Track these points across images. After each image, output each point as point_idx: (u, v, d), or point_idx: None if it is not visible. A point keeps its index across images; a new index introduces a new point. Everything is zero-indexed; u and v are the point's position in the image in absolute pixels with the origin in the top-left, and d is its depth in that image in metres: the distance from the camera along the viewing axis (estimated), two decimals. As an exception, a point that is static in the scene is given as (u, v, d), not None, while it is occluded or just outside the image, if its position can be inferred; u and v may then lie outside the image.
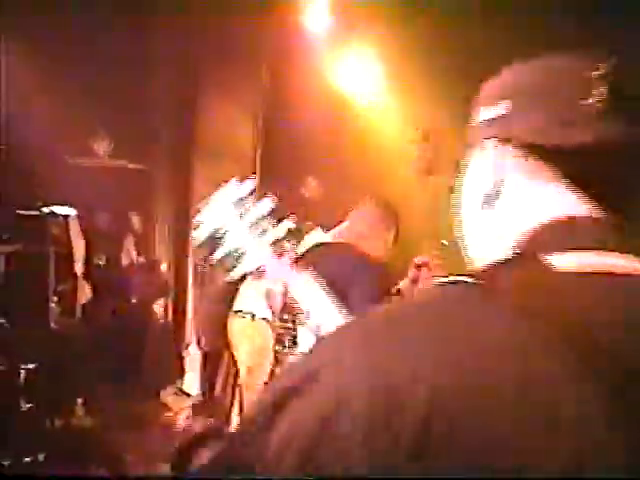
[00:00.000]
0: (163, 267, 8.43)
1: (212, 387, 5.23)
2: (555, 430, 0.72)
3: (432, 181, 4.07)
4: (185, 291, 8.25)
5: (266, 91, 7.71)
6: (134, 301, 7.99)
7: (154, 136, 8.71)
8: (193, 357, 6.58)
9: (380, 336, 0.79)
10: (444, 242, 3.69)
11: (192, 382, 5.55)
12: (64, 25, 7.71)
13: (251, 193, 1.56)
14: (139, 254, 8.30)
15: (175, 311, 8.31)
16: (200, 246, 1.53)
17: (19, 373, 4.77)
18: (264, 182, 7.51)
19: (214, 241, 1.54)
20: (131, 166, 9.14)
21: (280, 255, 1.56)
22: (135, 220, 8.45)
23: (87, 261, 6.92)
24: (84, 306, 7.02)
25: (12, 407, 4.62)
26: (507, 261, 0.88)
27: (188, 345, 7.27)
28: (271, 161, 7.66)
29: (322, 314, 1.59)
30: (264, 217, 1.55)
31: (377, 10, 6.46)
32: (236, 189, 1.57)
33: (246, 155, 7.85)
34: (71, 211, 6.61)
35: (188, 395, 6.39)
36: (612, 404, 0.74)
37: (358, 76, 7.17)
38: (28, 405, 4.70)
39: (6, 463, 4.39)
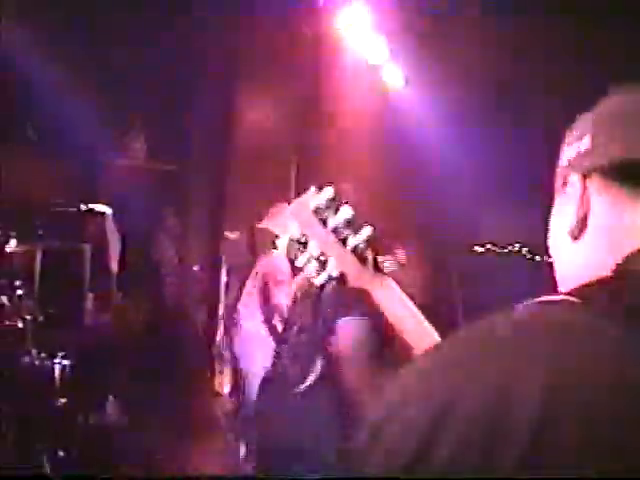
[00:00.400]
0: (196, 268, 8.46)
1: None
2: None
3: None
4: (217, 291, 8.28)
5: (305, 94, 7.72)
6: (167, 300, 8.03)
7: (190, 137, 8.76)
8: (225, 357, 6.60)
9: (478, 358, 0.80)
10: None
11: (224, 382, 5.58)
12: (105, 25, 7.78)
13: (331, 200, 1.56)
14: (173, 255, 8.34)
15: (208, 311, 8.34)
16: (284, 252, 1.55)
17: (54, 369, 4.81)
18: (301, 189, 7.53)
19: (297, 248, 1.56)
20: (167, 167, 9.20)
21: (363, 261, 1.56)
22: (170, 220, 8.49)
23: (122, 259, 6.98)
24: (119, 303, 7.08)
25: (47, 402, 4.66)
26: (605, 281, 0.89)
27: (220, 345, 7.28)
28: (309, 164, 7.67)
29: (408, 320, 1.60)
30: (345, 224, 1.56)
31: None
32: (316, 196, 1.58)
33: (282, 158, 7.87)
34: (107, 209, 6.67)
35: (220, 395, 6.41)
36: None
37: (398, 79, 7.17)
38: (63, 400, 4.74)
39: (42, 458, 4.44)
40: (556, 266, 1.10)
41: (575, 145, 1.05)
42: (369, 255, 1.57)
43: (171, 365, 6.38)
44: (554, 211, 1.09)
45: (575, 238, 1.02)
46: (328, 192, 1.59)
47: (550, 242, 1.11)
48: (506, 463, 0.72)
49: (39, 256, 6.24)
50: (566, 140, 1.10)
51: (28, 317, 4.67)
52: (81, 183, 8.78)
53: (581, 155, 1.03)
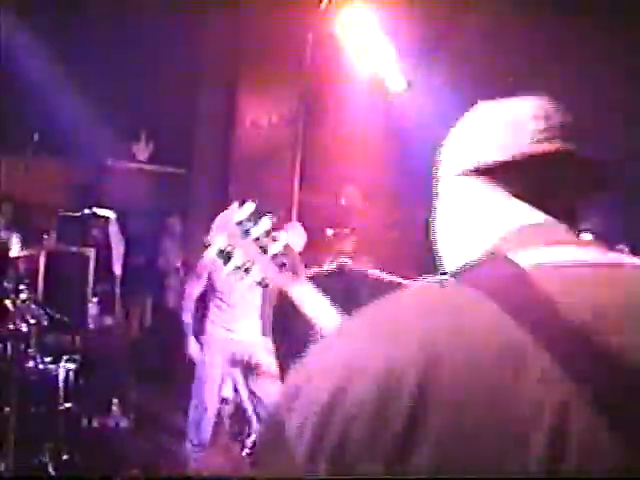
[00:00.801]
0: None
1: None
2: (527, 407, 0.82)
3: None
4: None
5: (307, 98, 7.72)
6: (171, 303, 8.04)
7: (192, 140, 8.78)
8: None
9: (379, 325, 0.92)
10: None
11: (228, 385, 5.58)
12: (107, 28, 7.80)
13: (253, 213, 1.78)
14: (177, 257, 8.35)
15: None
16: (211, 261, 1.77)
17: (58, 373, 4.82)
18: (304, 189, 7.54)
19: (224, 257, 1.78)
20: (170, 170, 9.22)
21: (281, 267, 1.79)
22: (174, 223, 8.51)
23: (125, 262, 6.99)
24: (123, 307, 7.09)
25: (51, 406, 4.67)
26: (481, 262, 1.01)
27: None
28: (311, 167, 7.68)
29: (325, 319, 1.82)
30: (265, 234, 1.78)
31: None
32: (239, 211, 1.80)
33: (286, 161, 7.88)
34: (111, 213, 6.67)
35: (223, 397, 6.41)
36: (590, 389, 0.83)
37: (401, 81, 7.16)
38: (67, 404, 4.74)
39: (45, 460, 4.45)
40: (440, 255, 1.25)
41: (450, 154, 1.23)
42: (287, 260, 1.79)
43: (174, 368, 6.37)
44: (437, 211, 1.26)
45: (455, 231, 1.20)
46: (250, 207, 1.80)
47: (435, 236, 1.27)
48: (393, 432, 0.81)
49: (43, 260, 6.25)
50: (441, 152, 1.27)
51: (32, 321, 4.67)
52: (85, 187, 8.80)
53: (452, 161, 1.22)
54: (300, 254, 5.83)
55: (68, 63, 7.93)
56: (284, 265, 1.80)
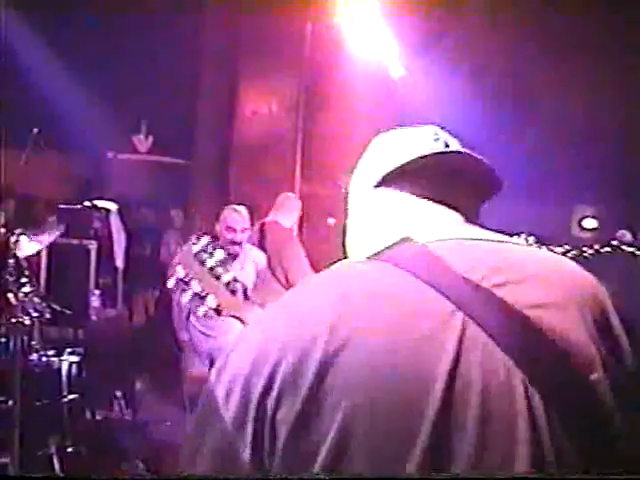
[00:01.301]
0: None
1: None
2: (434, 363, 0.97)
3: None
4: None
5: (307, 87, 7.70)
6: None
7: (194, 132, 8.76)
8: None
9: (295, 301, 1.09)
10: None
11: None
12: (106, 21, 7.77)
13: (208, 245, 1.92)
14: (179, 248, 8.34)
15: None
16: (172, 289, 1.92)
17: (61, 365, 4.82)
18: (305, 178, 7.53)
19: (182, 287, 1.91)
20: (171, 160, 9.20)
21: (233, 293, 1.94)
22: (175, 214, 8.50)
23: (128, 254, 6.98)
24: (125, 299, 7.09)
25: (55, 399, 4.67)
26: (390, 246, 1.15)
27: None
28: (312, 156, 7.66)
29: None
30: (219, 264, 1.92)
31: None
32: (196, 243, 1.94)
33: (287, 150, 7.87)
34: (112, 205, 6.67)
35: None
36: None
37: (401, 69, 7.14)
38: (70, 397, 4.74)
39: (50, 452, 4.45)
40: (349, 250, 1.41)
41: (357, 174, 1.40)
42: (239, 288, 1.95)
43: (177, 359, 6.38)
44: (348, 222, 1.42)
45: (366, 236, 1.33)
46: (205, 240, 1.95)
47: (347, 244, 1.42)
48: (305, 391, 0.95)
49: (45, 253, 6.25)
50: (352, 174, 1.44)
51: (35, 314, 4.67)
52: (86, 180, 8.80)
53: (362, 179, 1.37)
54: (300, 239, 5.83)
55: (67, 56, 7.91)
56: (235, 292, 1.94)
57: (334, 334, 0.96)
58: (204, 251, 1.92)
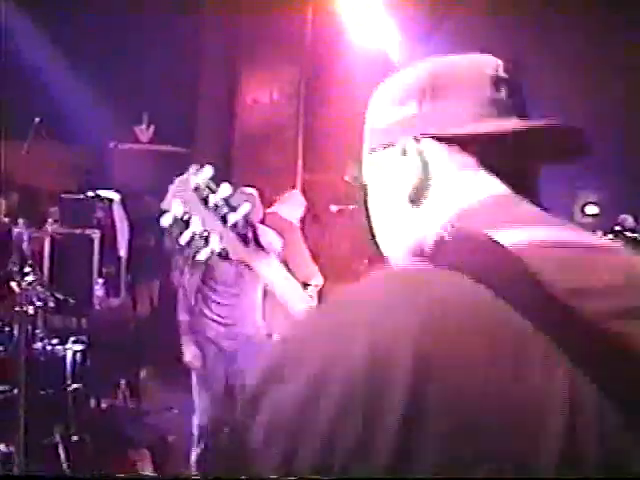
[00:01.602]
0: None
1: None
2: (522, 381, 0.75)
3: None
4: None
5: (308, 75, 7.69)
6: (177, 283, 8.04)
7: (195, 121, 8.75)
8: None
9: (349, 322, 0.80)
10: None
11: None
12: (107, 12, 7.76)
13: (211, 179, 1.65)
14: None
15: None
16: (168, 231, 1.64)
17: (65, 355, 4.84)
18: (307, 166, 7.52)
19: (180, 226, 1.64)
20: (173, 150, 9.19)
21: (244, 238, 1.65)
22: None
23: (131, 244, 6.99)
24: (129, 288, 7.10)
25: (59, 388, 4.69)
26: (446, 240, 0.91)
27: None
28: (313, 145, 7.65)
29: (288, 291, 1.73)
30: (224, 202, 1.63)
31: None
32: (196, 175, 1.66)
33: (288, 139, 7.86)
34: (115, 195, 6.67)
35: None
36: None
37: (404, 61, 7.12)
38: (75, 386, 4.76)
39: (55, 441, 4.47)
40: (387, 235, 1.12)
41: (400, 108, 1.07)
42: (249, 231, 1.66)
43: (181, 348, 6.39)
44: (382, 172, 1.10)
45: (413, 203, 1.05)
46: (208, 171, 1.67)
47: (378, 211, 1.12)
48: (386, 428, 0.72)
49: (48, 242, 6.26)
50: (382, 99, 1.11)
51: (38, 303, 4.68)
52: (88, 170, 8.80)
53: (412, 118, 1.05)
54: (301, 224, 5.81)
55: (69, 47, 7.90)
56: (246, 237, 1.66)
57: (417, 362, 0.75)
58: (206, 185, 1.65)
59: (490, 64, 1.07)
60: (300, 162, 7.56)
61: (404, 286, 0.84)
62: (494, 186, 1.02)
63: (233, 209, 1.64)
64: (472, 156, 1.03)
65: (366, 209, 1.15)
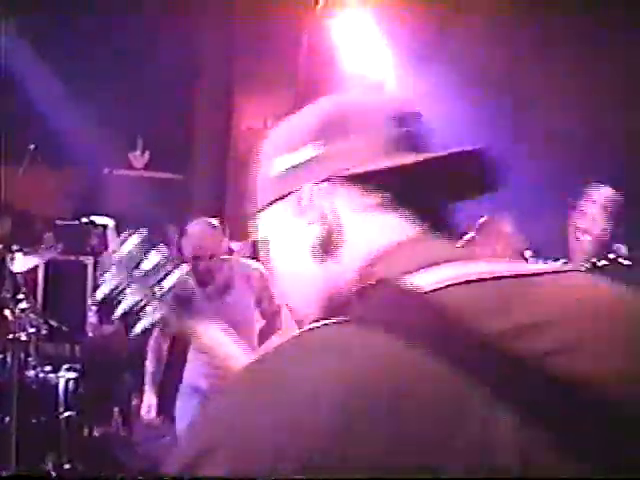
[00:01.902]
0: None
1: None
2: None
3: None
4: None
5: (302, 101, 7.72)
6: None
7: (190, 147, 8.77)
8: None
9: (264, 397, 0.77)
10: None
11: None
12: (101, 36, 7.79)
13: (139, 248, 1.57)
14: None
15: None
16: (101, 306, 1.56)
17: (58, 382, 4.81)
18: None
19: (113, 299, 1.55)
20: (167, 177, 9.21)
21: (177, 305, 1.56)
22: (172, 230, 8.48)
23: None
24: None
25: (52, 415, 4.66)
26: (365, 290, 0.87)
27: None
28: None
29: (235, 359, 1.61)
30: (155, 268, 1.55)
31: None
32: (127, 243, 1.59)
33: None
34: (109, 221, 6.66)
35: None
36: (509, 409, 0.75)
37: (397, 81, 7.17)
38: (67, 413, 4.73)
39: (47, 469, 4.44)
40: (297, 292, 1.04)
41: (298, 153, 1.01)
42: (185, 297, 1.57)
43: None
44: (278, 233, 1.04)
45: (320, 254, 0.98)
46: (135, 239, 1.61)
47: (282, 268, 1.05)
48: None
49: (42, 269, 6.24)
50: (275, 146, 1.07)
51: (31, 330, 4.66)
52: (82, 196, 8.80)
53: (306, 164, 0.99)
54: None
55: (64, 72, 7.93)
56: (181, 303, 1.55)
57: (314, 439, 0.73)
58: (137, 253, 1.56)
59: (392, 101, 1.06)
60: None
61: (305, 354, 0.79)
62: (403, 226, 0.96)
63: (163, 278, 1.55)
64: (377, 196, 0.96)
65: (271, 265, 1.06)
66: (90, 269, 6.91)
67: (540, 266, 0.95)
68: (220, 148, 8.51)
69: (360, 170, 0.95)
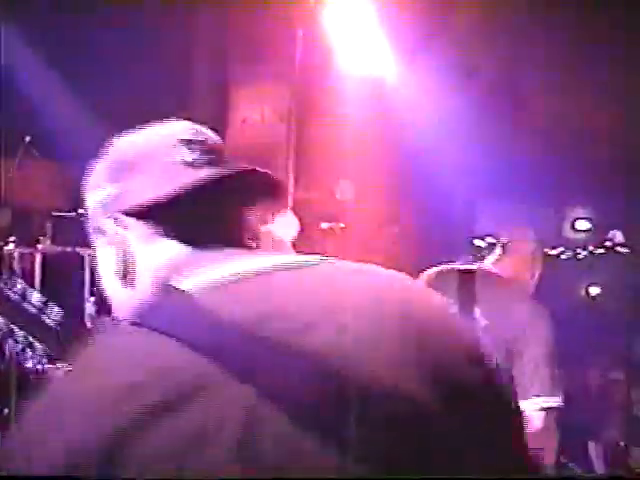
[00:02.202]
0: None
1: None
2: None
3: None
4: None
5: (299, 93, 7.71)
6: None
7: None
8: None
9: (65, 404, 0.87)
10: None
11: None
12: (95, 30, 7.78)
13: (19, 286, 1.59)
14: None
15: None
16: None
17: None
18: (299, 186, 7.53)
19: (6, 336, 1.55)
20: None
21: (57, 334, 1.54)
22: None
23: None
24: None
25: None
26: (152, 304, 0.99)
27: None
28: (305, 165, 7.67)
29: None
30: (43, 304, 1.57)
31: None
32: (9, 283, 1.62)
33: (278, 158, 7.87)
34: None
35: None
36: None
37: (395, 75, 7.16)
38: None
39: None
40: (115, 307, 1.20)
41: (100, 190, 1.19)
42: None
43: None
44: (98, 254, 1.21)
45: (124, 280, 1.13)
46: (18, 281, 1.62)
47: (104, 285, 1.21)
48: None
49: (39, 260, 6.24)
50: (89, 182, 1.25)
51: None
52: (79, 188, 8.79)
53: (106, 201, 1.17)
54: (294, 245, 5.81)
55: (60, 65, 7.91)
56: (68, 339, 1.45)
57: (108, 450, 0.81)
58: (22, 292, 1.43)
59: (182, 128, 1.21)
60: (291, 181, 7.57)
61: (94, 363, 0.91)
62: (181, 247, 1.08)
63: (49, 313, 1.50)
64: (161, 224, 1.10)
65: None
66: (87, 260, 6.91)
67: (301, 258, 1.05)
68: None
69: (139, 202, 1.09)
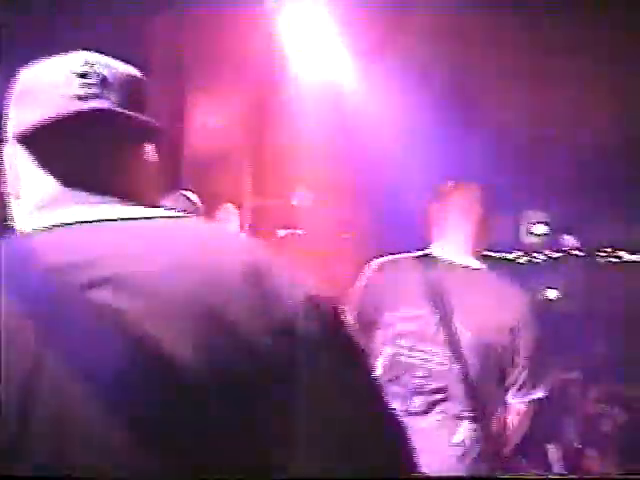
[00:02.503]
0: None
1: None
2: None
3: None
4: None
5: (255, 99, 7.67)
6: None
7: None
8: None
9: None
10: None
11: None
12: (48, 31, 7.66)
13: None
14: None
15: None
16: None
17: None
18: (256, 192, 7.48)
19: None
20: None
21: None
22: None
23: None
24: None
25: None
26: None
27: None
28: (261, 171, 7.62)
29: None
30: None
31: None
32: None
33: (235, 163, 7.82)
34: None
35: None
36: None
37: (355, 80, 7.15)
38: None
39: None
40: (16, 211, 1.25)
41: (7, 119, 1.22)
42: None
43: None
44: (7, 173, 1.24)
45: (16, 200, 1.19)
46: None
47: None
48: None
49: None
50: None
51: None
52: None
53: (9, 127, 1.20)
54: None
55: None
56: None
57: None
58: None
59: (80, 61, 1.20)
60: (248, 186, 7.52)
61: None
62: (54, 181, 1.12)
63: None
64: (41, 154, 1.13)
65: None
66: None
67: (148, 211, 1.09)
68: (174, 148, 8.41)
69: (20, 131, 1.12)
